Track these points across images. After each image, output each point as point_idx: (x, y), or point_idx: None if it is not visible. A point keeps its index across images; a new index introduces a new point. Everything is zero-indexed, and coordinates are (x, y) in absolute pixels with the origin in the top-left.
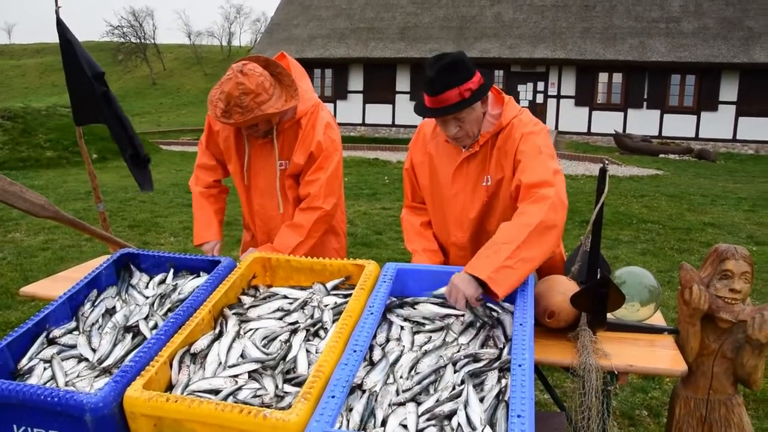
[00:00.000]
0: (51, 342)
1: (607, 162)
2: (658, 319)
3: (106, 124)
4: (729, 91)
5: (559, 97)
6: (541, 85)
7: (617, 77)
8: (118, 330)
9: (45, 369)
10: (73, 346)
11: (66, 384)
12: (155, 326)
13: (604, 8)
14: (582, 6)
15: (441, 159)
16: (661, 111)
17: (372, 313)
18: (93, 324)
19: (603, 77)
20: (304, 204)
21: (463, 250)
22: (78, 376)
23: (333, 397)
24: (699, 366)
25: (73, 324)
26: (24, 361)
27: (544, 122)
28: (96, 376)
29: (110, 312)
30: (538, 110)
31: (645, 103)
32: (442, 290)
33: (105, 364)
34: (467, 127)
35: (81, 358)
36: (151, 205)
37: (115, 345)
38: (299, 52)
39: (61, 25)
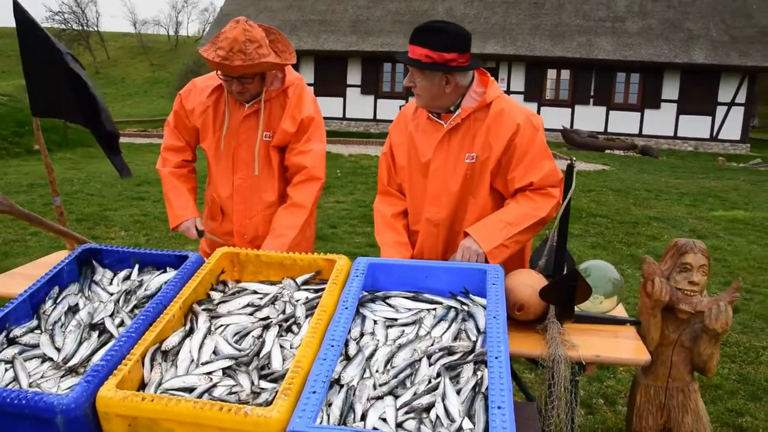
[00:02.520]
0: (11, 342)
1: (574, 159)
2: (620, 311)
3: (82, 113)
4: (671, 89)
5: (509, 92)
6: None
7: (565, 74)
8: (83, 328)
9: (6, 370)
10: (36, 346)
11: (30, 385)
12: (121, 323)
13: (552, 6)
14: (531, 3)
15: (422, 135)
16: (607, 108)
17: (347, 308)
18: (56, 322)
19: (551, 74)
20: (302, 176)
21: (437, 227)
22: (42, 377)
23: (314, 392)
24: (659, 355)
25: (34, 323)
26: None
27: None
28: (62, 376)
29: (73, 310)
30: None
31: (592, 100)
32: (457, 256)
33: (70, 364)
34: (418, 90)
35: (45, 358)
36: (99, 198)
37: (80, 344)
38: None
39: (18, 8)
